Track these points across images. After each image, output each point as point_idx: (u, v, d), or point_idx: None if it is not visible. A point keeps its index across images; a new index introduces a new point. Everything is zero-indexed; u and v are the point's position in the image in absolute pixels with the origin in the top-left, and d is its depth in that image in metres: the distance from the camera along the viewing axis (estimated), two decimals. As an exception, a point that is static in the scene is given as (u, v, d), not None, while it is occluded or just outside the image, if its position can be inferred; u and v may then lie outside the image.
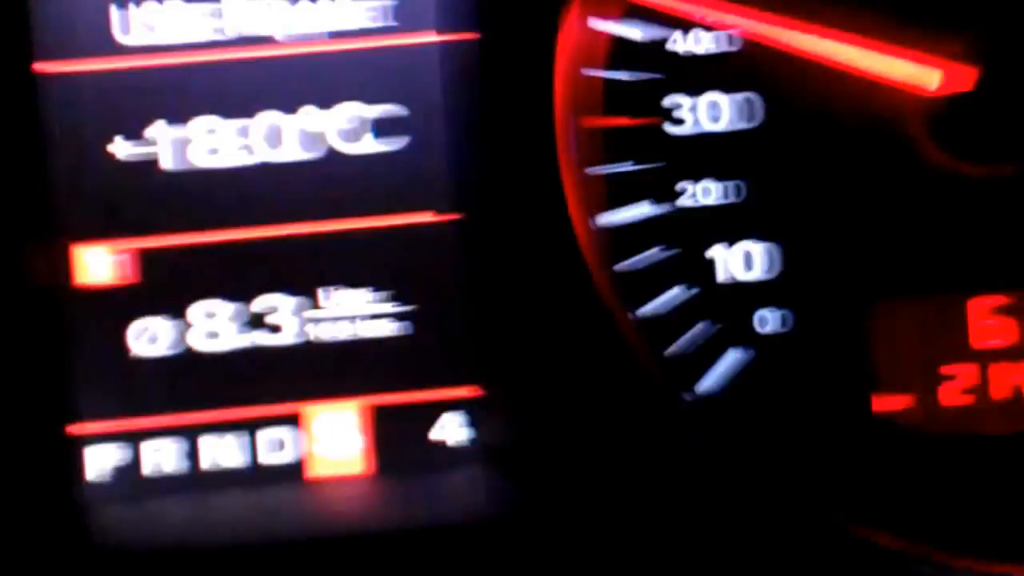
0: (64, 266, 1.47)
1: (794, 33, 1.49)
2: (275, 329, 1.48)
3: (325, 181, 1.47)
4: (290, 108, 1.47)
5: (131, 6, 1.45)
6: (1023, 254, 1.52)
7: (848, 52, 1.49)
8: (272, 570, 1.45)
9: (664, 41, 1.48)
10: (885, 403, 1.49)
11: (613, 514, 1.44)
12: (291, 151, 1.46)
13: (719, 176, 1.48)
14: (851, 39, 1.49)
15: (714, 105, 1.48)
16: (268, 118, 1.46)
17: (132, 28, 1.45)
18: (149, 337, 1.47)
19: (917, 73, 1.48)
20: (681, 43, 1.48)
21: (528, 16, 1.44)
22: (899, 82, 1.49)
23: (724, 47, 1.49)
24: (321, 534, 1.45)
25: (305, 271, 1.48)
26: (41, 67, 1.44)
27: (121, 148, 1.45)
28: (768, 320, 1.48)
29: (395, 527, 1.46)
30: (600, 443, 1.46)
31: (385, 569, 1.44)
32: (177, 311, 1.47)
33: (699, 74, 1.49)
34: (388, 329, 1.48)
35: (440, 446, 1.49)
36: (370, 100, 1.48)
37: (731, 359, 1.48)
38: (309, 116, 1.47)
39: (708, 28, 1.49)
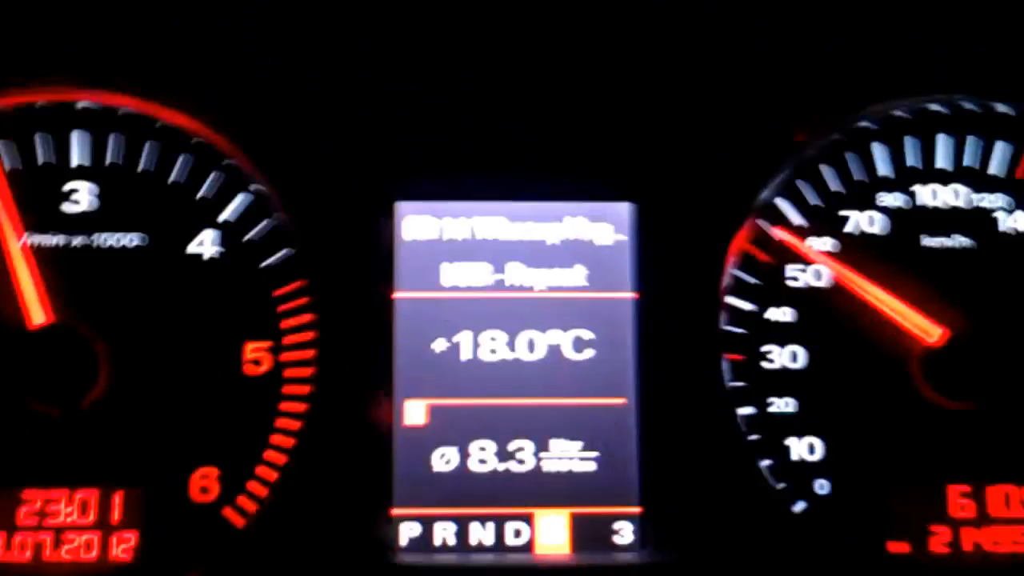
0: (396, 412, 1.78)
1: (859, 278, 1.78)
2: (520, 461, 1.78)
3: (553, 373, 1.81)
4: (538, 328, 1.82)
5: (448, 264, 1.83)
6: (982, 460, 1.76)
7: (885, 296, 1.75)
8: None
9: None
10: (893, 547, 1.74)
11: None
12: (535, 354, 1.82)
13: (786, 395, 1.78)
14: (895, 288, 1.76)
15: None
16: (526, 334, 1.81)
17: (450, 278, 1.84)
18: (444, 459, 1.78)
19: (924, 324, 1.73)
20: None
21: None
22: (910, 328, 1.73)
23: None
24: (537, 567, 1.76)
25: (538, 427, 1.79)
26: (395, 294, 1.82)
27: (438, 344, 1.81)
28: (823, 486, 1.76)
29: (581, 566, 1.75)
30: (720, 541, 1.75)
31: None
32: (460, 445, 1.78)
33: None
34: (586, 466, 1.78)
35: (615, 543, 1.78)
36: (571, 327, 1.82)
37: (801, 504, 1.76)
38: (544, 334, 1.82)
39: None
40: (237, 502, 1.79)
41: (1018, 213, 1.81)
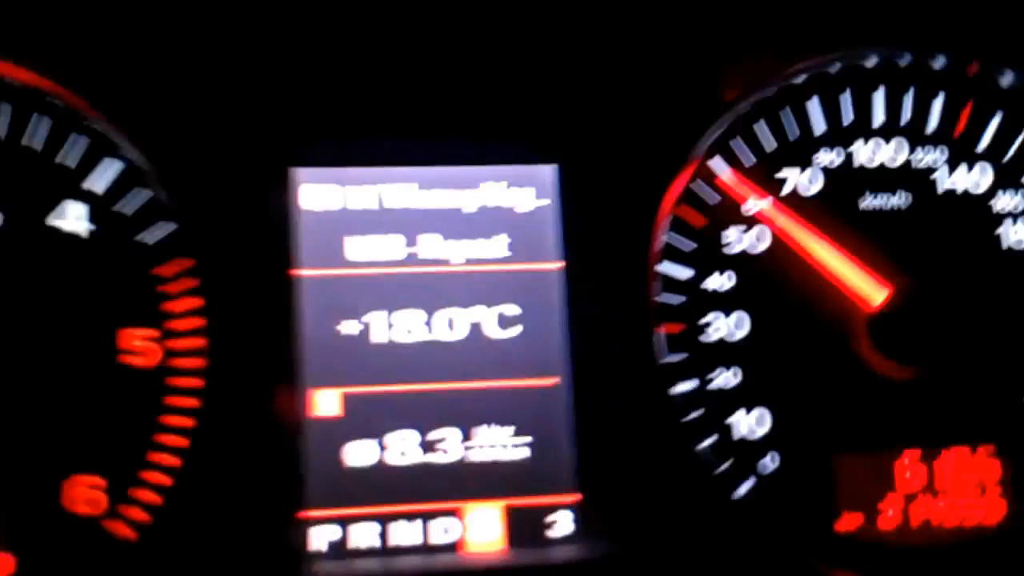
0: (303, 404, 1.58)
1: (805, 233, 1.66)
2: (444, 451, 1.60)
3: (477, 354, 1.62)
4: (458, 305, 1.63)
5: (356, 238, 1.63)
6: (931, 426, 1.66)
7: (830, 255, 1.65)
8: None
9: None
10: (843, 523, 1.64)
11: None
12: (456, 333, 1.63)
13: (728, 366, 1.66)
14: (837, 249, 1.65)
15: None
16: (445, 312, 1.62)
17: (359, 252, 1.63)
18: (360, 453, 1.59)
19: (868, 287, 1.64)
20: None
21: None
22: (853, 290, 1.64)
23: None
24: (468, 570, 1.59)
25: (463, 413, 1.61)
26: (297, 272, 1.61)
27: (347, 327, 1.61)
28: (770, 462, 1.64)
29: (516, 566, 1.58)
30: (664, 529, 1.60)
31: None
32: (377, 436, 1.59)
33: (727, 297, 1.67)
34: (517, 454, 1.61)
35: (552, 535, 1.61)
36: (494, 303, 1.64)
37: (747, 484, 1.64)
38: (464, 311, 1.63)
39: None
40: (127, 513, 1.56)
41: (958, 170, 1.72)
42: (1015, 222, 1.72)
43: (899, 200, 1.71)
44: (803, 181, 1.70)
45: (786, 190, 1.70)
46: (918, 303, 1.65)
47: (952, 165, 1.73)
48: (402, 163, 1.66)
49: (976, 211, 1.72)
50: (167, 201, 1.61)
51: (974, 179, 1.73)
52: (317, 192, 1.64)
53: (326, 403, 1.61)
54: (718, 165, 1.69)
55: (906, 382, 1.67)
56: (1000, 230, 1.72)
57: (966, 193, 1.73)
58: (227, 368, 1.58)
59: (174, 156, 1.62)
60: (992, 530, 1.66)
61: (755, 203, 1.69)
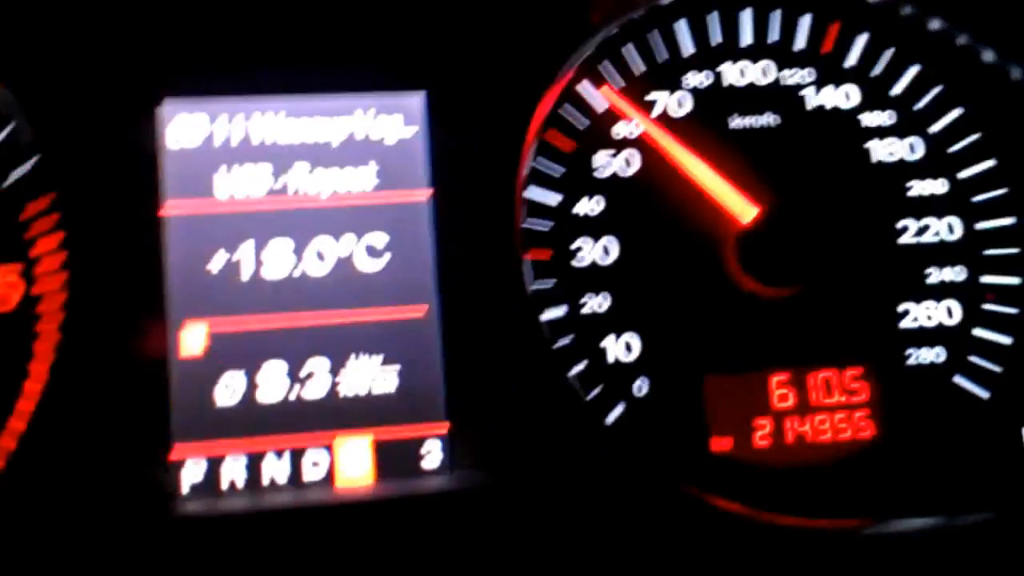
0: (170, 340, 1.55)
1: (679, 149, 1.64)
2: (315, 384, 1.57)
3: (346, 285, 1.60)
4: (328, 236, 1.60)
5: (224, 171, 1.60)
6: (801, 346, 1.64)
7: (705, 173, 1.63)
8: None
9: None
10: (716, 444, 1.61)
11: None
12: (325, 265, 1.60)
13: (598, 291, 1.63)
14: (708, 168, 1.63)
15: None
16: (315, 243, 1.60)
17: (226, 186, 1.60)
18: (229, 389, 1.56)
19: (739, 204, 1.61)
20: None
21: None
22: (725, 209, 1.61)
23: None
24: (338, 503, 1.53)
25: (333, 345, 1.58)
26: (164, 205, 1.58)
27: (215, 261, 1.58)
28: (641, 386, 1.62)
29: (386, 498, 1.53)
30: (536, 457, 1.57)
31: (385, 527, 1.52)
32: (247, 370, 1.57)
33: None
34: (388, 385, 1.59)
35: (422, 467, 1.58)
36: (363, 233, 1.62)
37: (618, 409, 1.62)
38: (334, 242, 1.61)
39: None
40: (-16, 455, 1.53)
41: (826, 88, 1.70)
42: (883, 137, 1.70)
43: (768, 119, 1.68)
44: (672, 103, 1.67)
45: (656, 112, 1.67)
46: (788, 220, 1.63)
47: (820, 83, 1.71)
48: (269, 93, 1.63)
49: (845, 128, 1.70)
50: (30, 135, 1.58)
51: (842, 96, 1.70)
52: (184, 124, 1.62)
53: (193, 338, 1.58)
54: (586, 89, 1.66)
55: (777, 302, 1.64)
56: (868, 145, 1.70)
57: (834, 110, 1.70)
58: (89, 304, 1.54)
59: (37, 90, 1.58)
60: (865, 446, 1.64)
61: (627, 125, 1.66)
